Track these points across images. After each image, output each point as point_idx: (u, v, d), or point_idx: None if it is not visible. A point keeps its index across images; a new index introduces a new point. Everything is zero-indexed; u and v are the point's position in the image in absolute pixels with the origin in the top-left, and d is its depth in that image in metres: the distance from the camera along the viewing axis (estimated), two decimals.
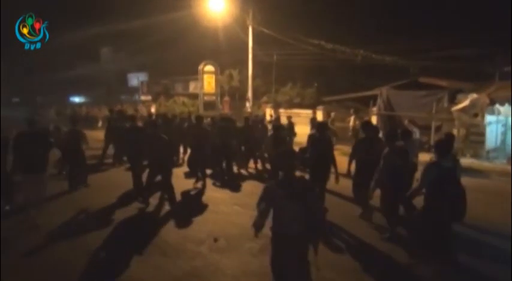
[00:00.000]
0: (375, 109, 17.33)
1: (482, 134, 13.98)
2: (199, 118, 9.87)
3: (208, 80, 23.80)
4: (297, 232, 3.52)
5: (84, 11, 36.18)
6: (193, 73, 27.38)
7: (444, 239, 4.68)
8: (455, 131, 14.29)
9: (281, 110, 20.76)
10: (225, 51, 25.97)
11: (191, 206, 7.84)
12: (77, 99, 42.43)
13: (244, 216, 7.07)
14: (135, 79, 32.44)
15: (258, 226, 3.66)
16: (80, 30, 31.65)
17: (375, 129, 7.24)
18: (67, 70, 41.49)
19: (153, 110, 25.27)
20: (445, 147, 4.78)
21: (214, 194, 8.72)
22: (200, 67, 23.46)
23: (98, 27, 32.31)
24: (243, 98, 25.91)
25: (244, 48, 24.41)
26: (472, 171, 11.19)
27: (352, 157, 6.89)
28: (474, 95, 13.37)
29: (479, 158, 13.33)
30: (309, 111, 19.46)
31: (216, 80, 23.94)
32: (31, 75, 42.48)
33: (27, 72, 42.82)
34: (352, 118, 16.05)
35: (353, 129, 15.56)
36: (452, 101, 15.24)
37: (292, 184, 3.57)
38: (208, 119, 13.50)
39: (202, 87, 23.61)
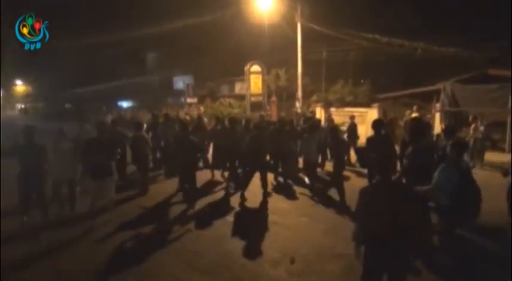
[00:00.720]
0: (438, 105, 16.05)
1: None
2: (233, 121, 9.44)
3: (254, 81, 23.25)
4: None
5: (127, 16, 36.80)
6: (239, 74, 27.01)
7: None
8: None
9: (332, 109, 19.83)
10: (271, 50, 25.43)
11: (255, 217, 7.27)
12: (124, 104, 43.43)
13: (314, 230, 6.44)
14: (181, 82, 32.55)
15: (359, 238, 3.49)
16: (125, 35, 32.22)
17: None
18: (115, 76, 42.78)
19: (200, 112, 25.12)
20: (461, 149, 4.86)
21: (278, 204, 8.08)
22: (246, 68, 22.95)
23: (143, 31, 32.83)
24: (291, 97, 25.19)
25: (291, 46, 23.68)
26: None
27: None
28: None
29: None
30: (362, 110, 18.41)
31: (263, 80, 23.32)
32: (80, 84, 44.11)
33: (77, 80, 44.58)
34: (413, 115, 14.83)
35: None
36: None
37: (391, 188, 3.41)
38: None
39: (248, 87, 23.11)
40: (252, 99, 23.25)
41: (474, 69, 15.57)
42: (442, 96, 15.75)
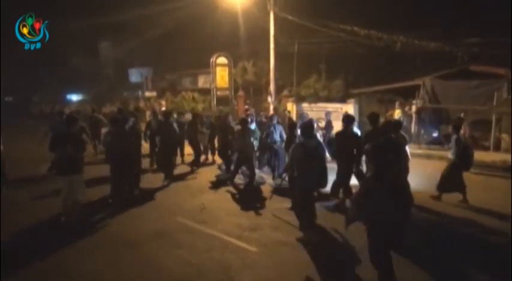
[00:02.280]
0: (415, 102, 15.53)
1: None
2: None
3: (221, 74, 21.82)
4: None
5: (79, 1, 33.71)
6: (202, 66, 25.43)
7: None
8: None
9: (305, 105, 18.88)
10: (238, 42, 24.07)
11: None
12: (74, 98, 40.18)
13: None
14: (138, 74, 30.35)
15: (350, 219, 4.36)
16: (75, 22, 29.46)
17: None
18: (63, 66, 39.33)
19: (163, 107, 23.27)
20: (308, 131, 5.91)
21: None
22: (212, 59, 21.45)
23: (95, 18, 30.21)
24: (258, 92, 24.03)
25: (259, 37, 22.48)
26: None
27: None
28: None
29: None
30: (337, 105, 17.60)
31: (230, 74, 21.97)
32: (23, 72, 40.11)
33: (19, 68, 40.43)
34: (396, 112, 14.21)
35: None
36: (509, 91, 13.53)
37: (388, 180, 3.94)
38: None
39: (214, 81, 21.64)
40: (218, 93, 21.85)
41: (455, 65, 15.18)
42: (422, 92, 15.24)
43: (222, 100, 21.79)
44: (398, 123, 7.77)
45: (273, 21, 17.75)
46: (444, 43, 14.55)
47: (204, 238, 6.00)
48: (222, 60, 21.61)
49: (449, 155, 7.77)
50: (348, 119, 7.32)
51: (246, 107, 21.51)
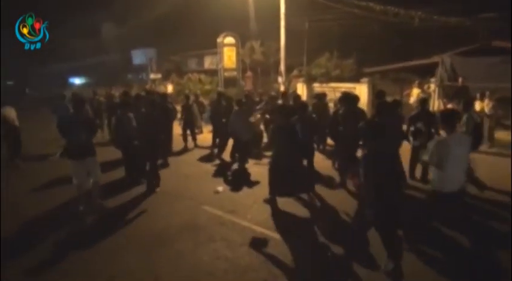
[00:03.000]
0: (433, 80, 14.94)
1: None
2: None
3: (228, 54, 21.19)
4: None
5: None
6: (208, 47, 24.76)
7: None
8: None
9: (316, 85, 18.31)
10: (243, 21, 23.34)
11: None
12: (77, 81, 39.59)
13: None
14: (142, 56, 29.59)
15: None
16: (77, 4, 28.69)
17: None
18: (64, 49, 38.54)
19: (170, 89, 22.69)
20: (290, 111, 6.58)
21: None
22: (219, 39, 20.80)
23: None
24: (266, 73, 23.45)
25: (268, 16, 21.78)
26: None
27: None
28: None
29: None
30: (350, 85, 17.02)
31: (237, 54, 21.34)
32: (24, 55, 39.34)
33: (19, 51, 39.60)
34: (415, 92, 13.62)
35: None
36: None
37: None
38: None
39: (222, 61, 21.03)
40: (225, 74, 21.26)
41: (476, 41, 14.50)
42: (440, 70, 14.61)
43: (229, 81, 21.23)
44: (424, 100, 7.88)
45: None
46: (465, 18, 13.82)
47: (237, 229, 5.61)
48: (230, 40, 20.97)
49: None
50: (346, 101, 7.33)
51: (247, 87, 21.09)
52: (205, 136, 12.59)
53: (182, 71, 26.56)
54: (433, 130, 7.64)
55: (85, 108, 7.30)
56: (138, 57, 31.42)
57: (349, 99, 7.44)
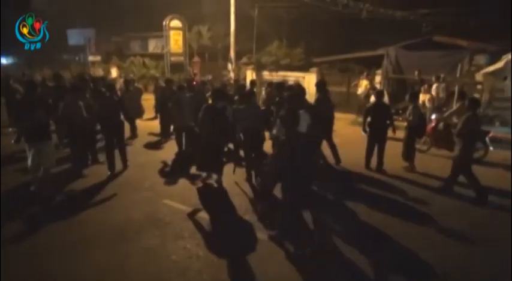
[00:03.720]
0: (379, 72, 15.44)
1: (508, 100, 12.67)
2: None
3: (175, 38, 20.42)
4: None
5: None
6: (153, 29, 23.65)
7: None
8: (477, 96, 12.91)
9: (265, 73, 18.22)
10: (191, 3, 22.52)
11: None
12: (3, 61, 36.07)
13: None
14: (79, 36, 27.53)
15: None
16: None
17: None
18: None
19: (114, 73, 21.40)
20: (220, 94, 6.71)
21: None
22: (165, 22, 19.91)
23: None
24: (214, 58, 22.93)
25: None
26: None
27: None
28: (510, 57, 11.88)
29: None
30: (299, 74, 17.14)
31: (184, 38, 20.62)
32: None
33: None
34: (363, 83, 13.96)
35: (366, 96, 13.48)
36: (470, 63, 13.79)
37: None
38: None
39: (168, 45, 20.20)
40: (172, 59, 20.50)
41: (419, 36, 15.13)
42: (385, 62, 15.10)
43: (176, 66, 20.53)
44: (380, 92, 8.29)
45: None
46: (409, 13, 14.35)
47: (205, 224, 5.36)
48: (176, 23, 20.18)
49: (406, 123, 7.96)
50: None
51: (195, 71, 20.53)
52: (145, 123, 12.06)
53: (124, 54, 25.16)
54: (388, 122, 7.90)
55: (37, 90, 6.93)
56: (75, 37, 29.24)
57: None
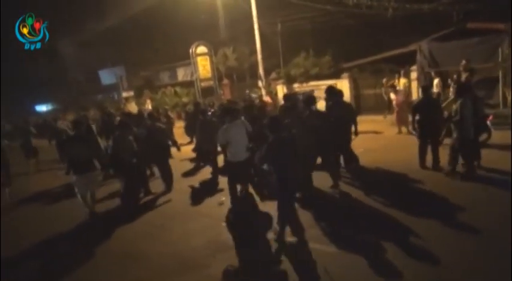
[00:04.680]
0: (413, 68, 15.01)
1: None
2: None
3: (202, 63, 20.77)
4: None
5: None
6: (179, 59, 24.24)
7: None
8: None
9: (296, 85, 18.15)
10: (213, 29, 22.99)
11: None
12: (44, 108, 37.99)
13: None
14: (111, 75, 28.65)
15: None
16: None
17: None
18: (24, 77, 36.89)
19: (148, 105, 22.04)
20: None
21: None
22: (192, 49, 20.35)
23: (55, 21, 28.22)
24: (242, 79, 23.14)
25: (237, 22, 21.57)
26: None
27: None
28: None
29: None
30: (330, 82, 16.89)
31: (211, 62, 20.95)
32: None
33: None
34: (402, 81, 13.60)
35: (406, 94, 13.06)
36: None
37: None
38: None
39: (196, 72, 20.57)
40: (202, 84, 20.83)
41: (451, 25, 14.65)
42: (419, 57, 14.71)
43: (206, 91, 20.83)
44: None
45: (254, 1, 16.86)
46: (437, 4, 13.95)
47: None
48: (202, 49, 20.56)
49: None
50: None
51: (223, 94, 20.82)
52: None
53: (155, 86, 25.85)
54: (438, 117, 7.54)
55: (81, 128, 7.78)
56: (106, 76, 30.44)
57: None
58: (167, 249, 5.55)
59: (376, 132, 12.44)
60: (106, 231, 6.43)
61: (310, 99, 7.12)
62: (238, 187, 6.91)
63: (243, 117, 7.30)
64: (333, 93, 7.90)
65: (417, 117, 7.64)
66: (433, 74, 13.58)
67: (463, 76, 11.35)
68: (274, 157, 4.95)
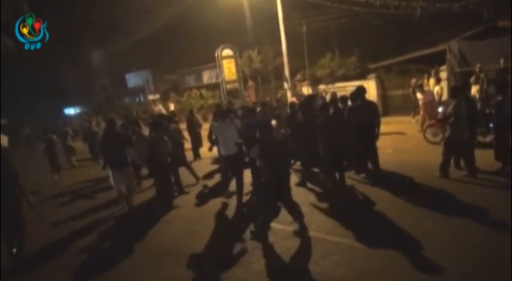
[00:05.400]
0: (443, 68, 14.78)
1: None
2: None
3: (228, 66, 20.97)
4: None
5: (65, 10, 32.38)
6: (204, 62, 24.58)
7: None
8: None
9: (321, 87, 18.11)
10: (237, 32, 23.19)
11: None
12: (72, 111, 39.10)
13: None
14: (137, 79, 29.32)
15: None
16: (62, 33, 28.22)
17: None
18: (54, 81, 38.10)
19: (172, 107, 22.40)
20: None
21: None
22: (217, 53, 20.59)
23: (84, 26, 29.17)
24: (267, 81, 23.28)
25: (261, 24, 21.70)
26: None
27: None
28: None
29: None
30: (357, 84, 16.80)
31: (237, 65, 21.15)
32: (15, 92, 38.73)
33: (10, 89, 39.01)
34: (431, 82, 13.42)
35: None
36: None
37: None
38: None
39: (222, 74, 20.82)
40: (227, 86, 21.05)
41: (481, 24, 14.40)
42: (449, 56, 14.51)
43: (231, 93, 21.04)
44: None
45: (280, 3, 16.97)
46: (467, 2, 13.73)
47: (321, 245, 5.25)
48: (228, 52, 20.77)
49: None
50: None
51: (248, 95, 20.97)
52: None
53: (181, 89, 26.29)
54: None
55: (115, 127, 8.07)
56: (133, 80, 31.12)
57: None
58: (206, 245, 5.69)
59: (400, 134, 12.25)
60: (143, 228, 6.62)
61: (311, 99, 8.07)
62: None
63: None
64: (357, 97, 7.79)
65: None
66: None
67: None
68: (265, 155, 5.37)
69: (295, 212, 5.65)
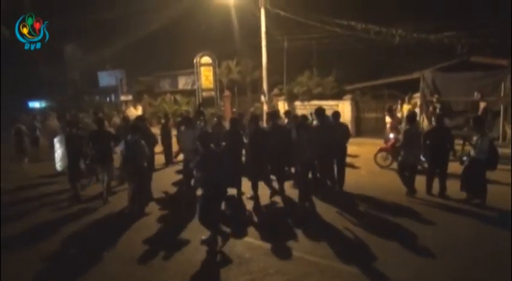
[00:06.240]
0: (416, 96, 15.25)
1: None
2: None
3: (205, 74, 20.92)
4: None
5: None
6: (181, 67, 24.33)
7: None
8: None
9: (297, 103, 18.29)
10: (218, 41, 23.15)
11: None
12: (37, 105, 37.42)
13: None
14: (110, 78, 28.48)
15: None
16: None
17: None
18: (23, 72, 36.54)
19: (139, 111, 21.85)
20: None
21: None
22: (196, 59, 20.48)
23: (60, 17, 28.17)
24: (243, 92, 23.29)
25: (243, 35, 21.81)
26: None
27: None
28: None
29: None
30: (332, 103, 17.09)
31: (214, 73, 21.08)
32: None
33: None
34: (405, 107, 13.78)
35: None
36: None
37: None
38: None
39: (199, 81, 20.66)
40: (203, 94, 20.90)
41: (454, 57, 15.03)
42: (422, 85, 14.97)
43: (206, 101, 20.86)
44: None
45: (264, 17, 17.09)
46: (443, 35, 14.33)
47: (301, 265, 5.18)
48: (206, 59, 20.71)
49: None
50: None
51: (234, 109, 20.83)
52: None
53: (155, 92, 25.80)
54: (448, 145, 7.71)
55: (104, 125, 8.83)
56: (105, 78, 30.24)
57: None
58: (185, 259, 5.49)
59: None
60: (113, 235, 6.33)
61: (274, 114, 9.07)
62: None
63: None
64: (320, 115, 8.22)
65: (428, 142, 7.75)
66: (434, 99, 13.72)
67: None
68: (203, 167, 5.64)
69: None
